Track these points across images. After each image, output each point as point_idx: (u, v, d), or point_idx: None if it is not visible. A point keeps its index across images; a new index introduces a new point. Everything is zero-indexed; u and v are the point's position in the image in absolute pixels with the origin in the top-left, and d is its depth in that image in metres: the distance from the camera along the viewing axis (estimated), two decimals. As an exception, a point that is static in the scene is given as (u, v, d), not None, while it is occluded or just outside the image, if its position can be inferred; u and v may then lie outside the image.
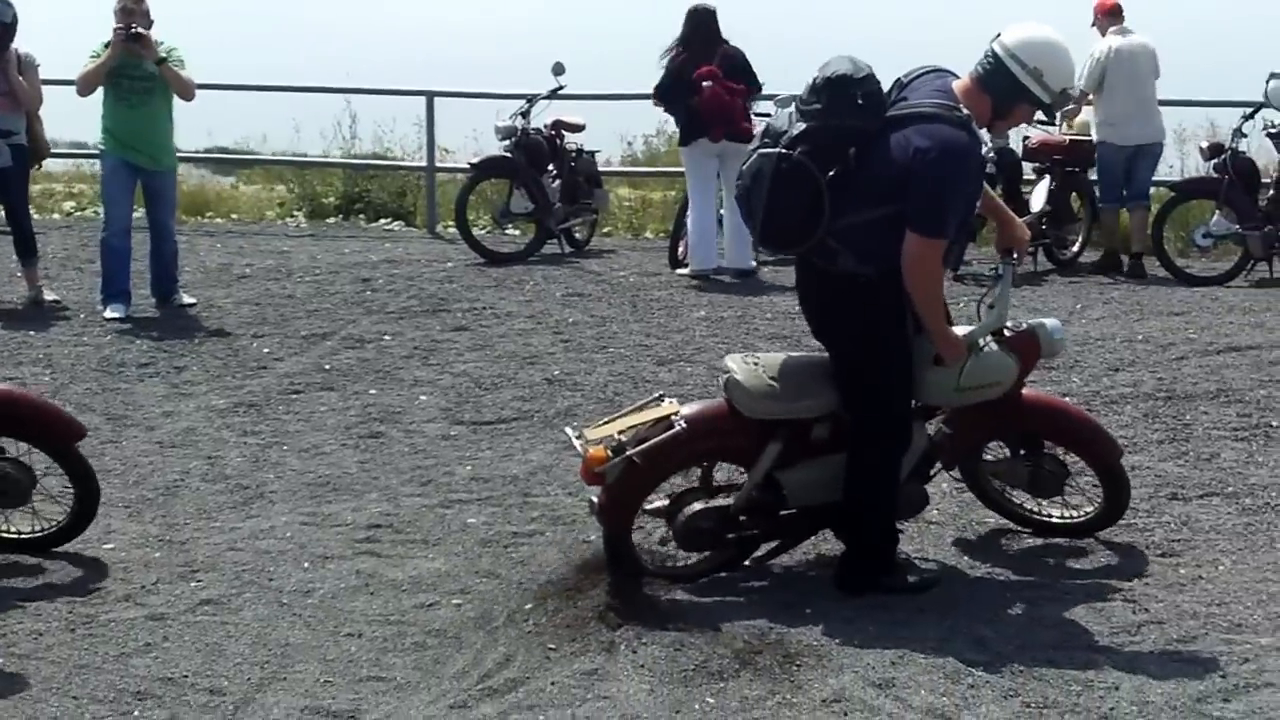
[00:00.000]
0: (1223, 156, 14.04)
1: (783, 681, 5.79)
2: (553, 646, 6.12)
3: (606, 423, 6.84)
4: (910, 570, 6.82)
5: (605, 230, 16.89)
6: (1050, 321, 7.04)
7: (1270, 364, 10.37)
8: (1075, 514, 7.34)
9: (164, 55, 11.65)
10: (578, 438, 6.78)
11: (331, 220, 18.08)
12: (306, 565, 7.07)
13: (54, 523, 7.22)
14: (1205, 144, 14.79)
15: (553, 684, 5.80)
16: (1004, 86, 6.42)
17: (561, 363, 10.77)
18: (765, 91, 14.66)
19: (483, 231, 15.84)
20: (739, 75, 13.77)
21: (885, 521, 6.72)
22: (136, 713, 5.62)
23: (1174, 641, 6.14)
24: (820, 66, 6.50)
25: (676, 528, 6.74)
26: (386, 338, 11.48)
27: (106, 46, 11.75)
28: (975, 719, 5.50)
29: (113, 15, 11.68)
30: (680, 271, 14.09)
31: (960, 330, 6.67)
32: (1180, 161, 17.38)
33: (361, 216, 18.15)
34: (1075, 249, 14.60)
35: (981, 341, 6.68)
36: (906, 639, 6.14)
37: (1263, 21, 16.66)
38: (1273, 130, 14.16)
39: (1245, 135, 14.12)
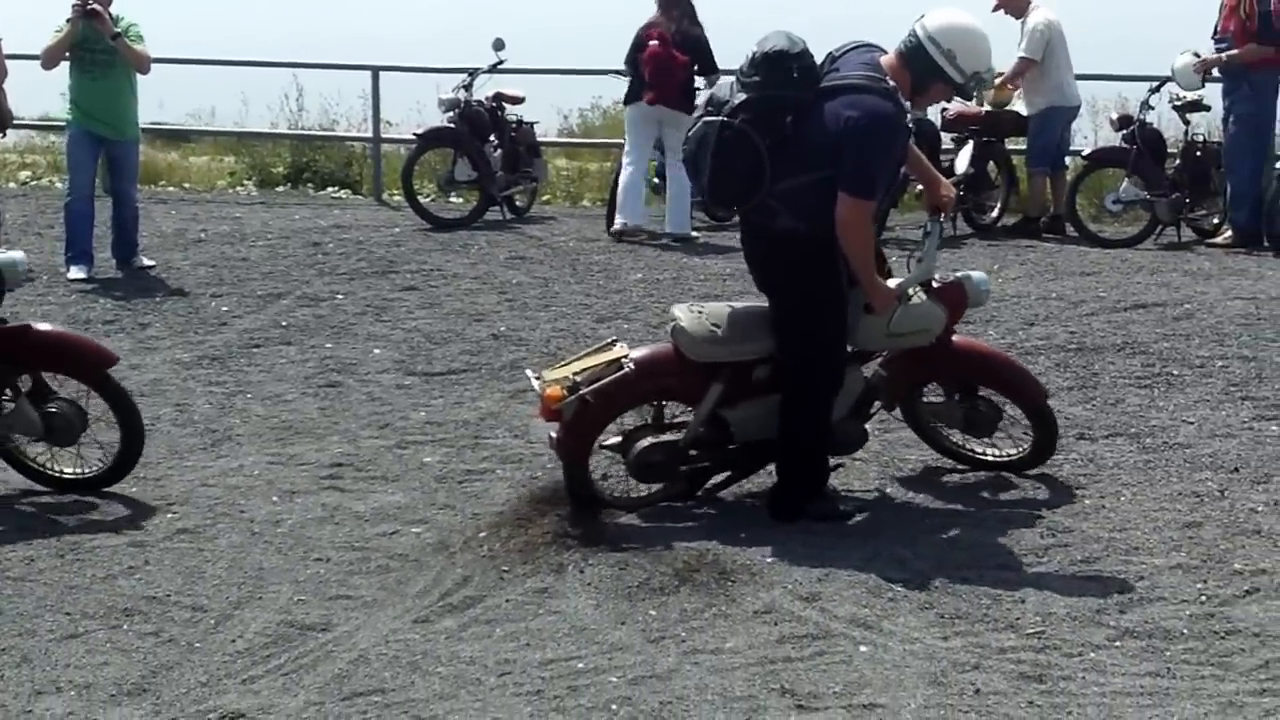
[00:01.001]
0: (1131, 128, 14.53)
1: (718, 595, 6.21)
2: (506, 569, 6.51)
3: (563, 365, 7.27)
4: (837, 500, 7.25)
5: (544, 199, 17.25)
6: (976, 274, 7.49)
7: (1173, 319, 10.86)
8: (1010, 452, 7.75)
9: (119, 30, 11.93)
10: (536, 379, 7.18)
11: (281, 189, 18.35)
12: (275, 499, 7.44)
13: (100, 463, 7.52)
14: (1115, 116, 15.28)
15: (507, 601, 6.20)
16: (922, 66, 6.85)
17: (507, 320, 11.15)
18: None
19: (428, 199, 16.16)
20: (691, 51, 14.25)
21: (816, 455, 7.16)
22: (125, 627, 5.97)
23: (1077, 562, 6.59)
24: (758, 41, 6.96)
25: (630, 461, 7.16)
26: (339, 297, 11.83)
27: (69, 22, 12.01)
28: (894, 628, 5.92)
29: None
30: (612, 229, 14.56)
31: (891, 282, 7.11)
32: (1094, 132, 17.85)
33: (309, 185, 18.43)
34: (994, 214, 15.07)
35: (910, 292, 7.12)
36: (832, 559, 6.57)
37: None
38: (1177, 103, 14.66)
39: (1152, 108, 14.61)
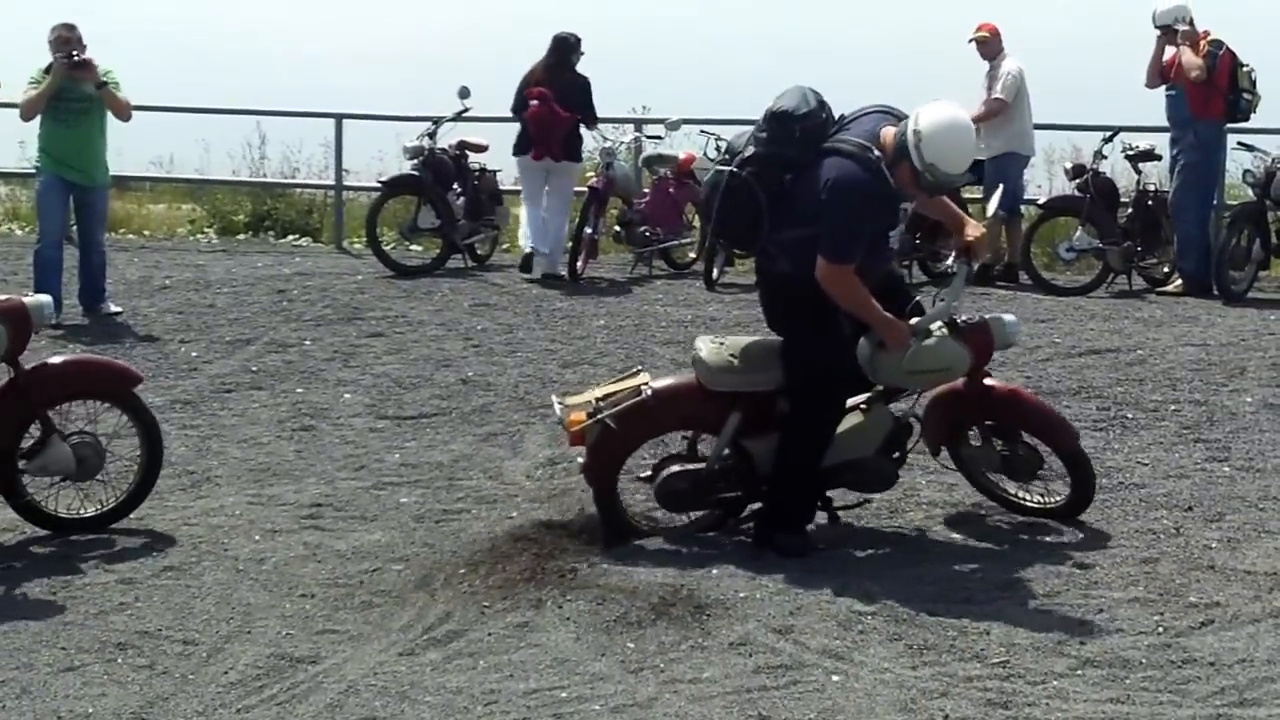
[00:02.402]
0: (1085, 177, 14.90)
1: (694, 629, 6.46)
2: (487, 604, 6.75)
3: (587, 391, 7.70)
4: (808, 539, 7.49)
5: (504, 246, 17.50)
6: (1007, 316, 7.71)
7: (1127, 365, 11.20)
8: (1050, 499, 7.86)
9: (104, 80, 12.17)
10: (560, 404, 7.60)
11: (242, 236, 18.57)
12: (257, 538, 7.66)
13: (121, 490, 7.85)
14: (1069, 165, 15.66)
15: (489, 634, 6.44)
16: (898, 144, 7.11)
17: (474, 365, 11.40)
18: (659, 115, 15.85)
19: (389, 246, 16.40)
20: (573, 103, 14.98)
21: (801, 489, 7.46)
22: (119, 660, 6.18)
23: (1039, 596, 6.87)
24: (776, 97, 7.40)
25: (656, 489, 7.56)
26: (307, 343, 12.06)
27: (46, 73, 12.20)
28: (865, 658, 6.19)
29: (49, 45, 12.15)
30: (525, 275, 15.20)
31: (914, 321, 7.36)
32: (1049, 181, 18.23)
33: (270, 233, 18.65)
34: (950, 261, 15.38)
35: (933, 329, 7.33)
36: (803, 593, 6.84)
37: (1121, 47, 17.48)
38: (1130, 152, 15.06)
39: (1105, 157, 15.00)
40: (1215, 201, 15.25)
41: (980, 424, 7.78)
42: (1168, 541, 7.54)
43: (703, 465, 7.52)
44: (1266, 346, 11.85)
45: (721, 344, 7.51)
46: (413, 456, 9.13)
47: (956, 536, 7.68)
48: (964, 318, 7.55)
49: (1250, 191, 14.83)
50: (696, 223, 16.34)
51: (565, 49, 15.39)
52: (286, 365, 11.35)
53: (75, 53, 12.06)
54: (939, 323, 7.38)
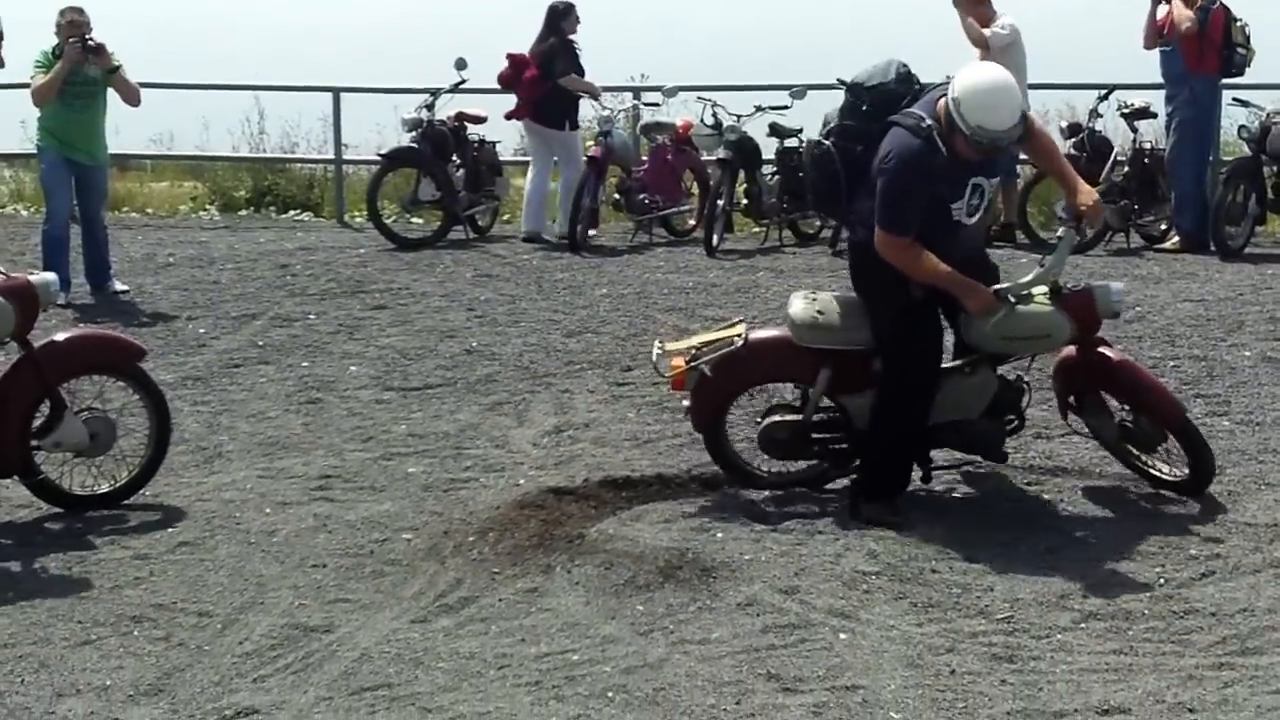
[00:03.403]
0: (1080, 135, 14.91)
1: (701, 591, 6.53)
2: (497, 570, 6.82)
3: (687, 338, 8.01)
4: (896, 511, 7.41)
5: (505, 218, 17.52)
6: (1114, 285, 7.49)
7: (1125, 322, 11.19)
8: (1175, 473, 7.61)
9: (117, 63, 12.20)
10: (659, 349, 7.82)
11: (243, 213, 18.59)
12: (268, 510, 7.73)
13: (134, 465, 7.91)
14: (1064, 124, 15.63)
15: (500, 600, 6.51)
16: (948, 115, 7.10)
17: (478, 336, 11.45)
18: (656, 83, 16.08)
19: (390, 219, 16.42)
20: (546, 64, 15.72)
21: (893, 458, 7.50)
22: (136, 633, 6.25)
23: (1040, 552, 6.93)
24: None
25: (758, 435, 7.73)
26: (311, 317, 12.10)
27: (55, 57, 12.21)
28: (871, 616, 6.26)
29: (58, 29, 12.16)
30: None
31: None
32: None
33: (272, 208, 18.68)
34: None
35: (1035, 293, 7.25)
36: (807, 554, 6.92)
37: (1116, 5, 17.47)
38: (1125, 110, 15.07)
39: (1100, 115, 15.00)
40: (1211, 158, 15.26)
41: (1096, 393, 7.63)
42: (1168, 495, 7.59)
43: (798, 418, 7.65)
44: (1264, 301, 11.89)
45: (813, 300, 7.58)
46: (420, 427, 9.19)
47: (956, 495, 7.74)
48: (1070, 285, 7.44)
49: (1246, 147, 14.81)
50: (695, 190, 16.40)
51: (552, 15, 15.77)
52: (292, 339, 11.40)
53: (89, 37, 12.08)
54: (1040, 288, 7.29)
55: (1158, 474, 7.66)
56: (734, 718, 5.39)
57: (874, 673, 5.72)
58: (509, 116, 16.21)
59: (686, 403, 7.79)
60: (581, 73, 15.95)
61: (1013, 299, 7.20)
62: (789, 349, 7.60)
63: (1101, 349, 7.49)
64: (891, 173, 7.13)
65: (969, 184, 7.23)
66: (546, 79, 15.68)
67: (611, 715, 5.41)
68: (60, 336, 7.90)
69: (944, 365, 7.54)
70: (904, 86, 7.39)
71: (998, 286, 7.26)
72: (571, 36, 15.90)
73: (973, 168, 7.21)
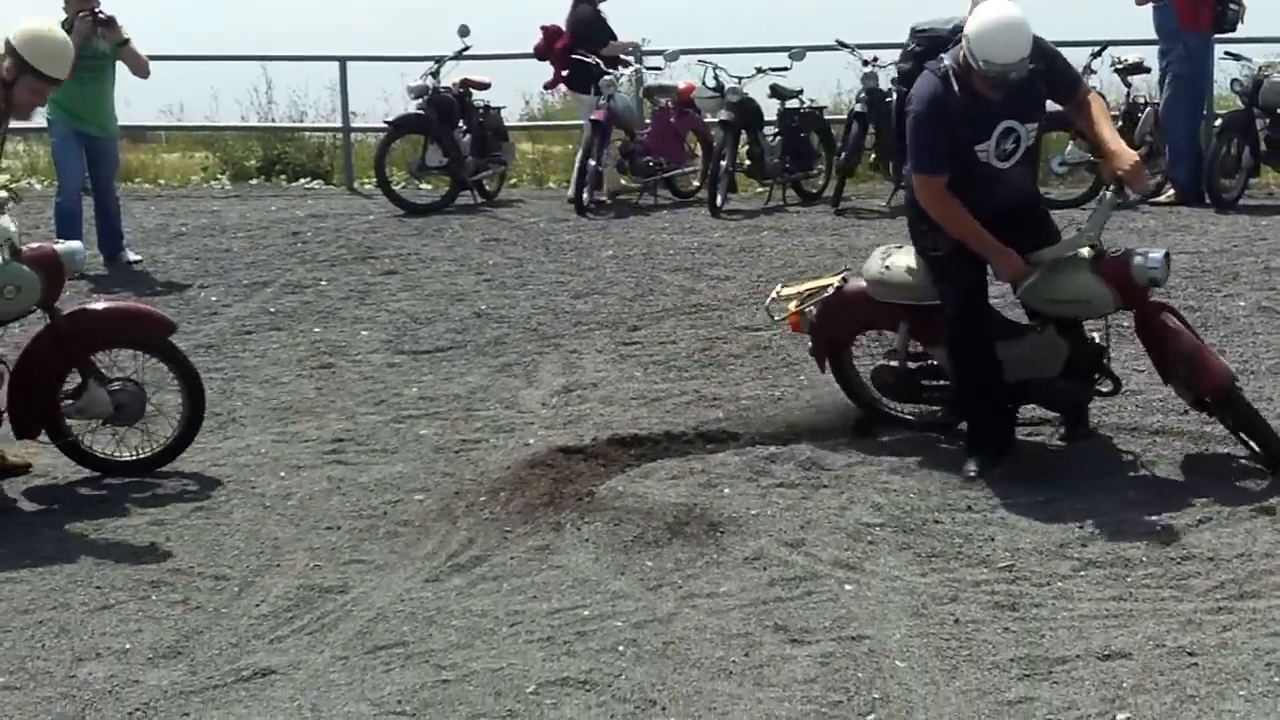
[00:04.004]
0: (1075, 91, 14.81)
1: (709, 545, 6.52)
2: (508, 529, 6.81)
3: (799, 283, 8.26)
4: (990, 463, 7.29)
5: (512, 182, 17.49)
6: (1154, 253, 7.13)
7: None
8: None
9: (126, 37, 12.16)
10: (778, 291, 8.16)
11: (254, 182, 18.58)
12: (283, 474, 7.72)
13: (165, 436, 7.85)
14: (1060, 81, 15.55)
15: (511, 559, 6.50)
16: (967, 66, 7.01)
17: (487, 299, 11.42)
18: (658, 47, 16.12)
19: (399, 185, 16.39)
20: (576, 35, 16.01)
21: (977, 408, 7.44)
22: (154, 597, 6.25)
23: (1039, 502, 6.91)
24: None
25: (869, 376, 7.87)
26: (323, 283, 12.08)
27: (65, 31, 12.13)
28: (876, 567, 6.25)
29: (67, 3, 12.09)
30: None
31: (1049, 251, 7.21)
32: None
33: (282, 177, 18.66)
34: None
35: (1077, 255, 7.10)
36: (812, 508, 6.91)
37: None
38: (1119, 66, 15.01)
39: (1094, 71, 14.89)
40: (1205, 112, 15.21)
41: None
42: (1165, 444, 7.58)
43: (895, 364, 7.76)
44: (1259, 252, 11.85)
45: (886, 256, 7.62)
46: (430, 389, 9.18)
47: (951, 450, 7.68)
48: (1113, 250, 7.26)
49: (1239, 100, 14.76)
50: (699, 151, 16.36)
51: None
52: (304, 305, 11.38)
53: (99, 11, 12.03)
54: (1081, 251, 7.13)
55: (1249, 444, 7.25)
56: (743, 669, 5.38)
57: (879, 623, 5.71)
58: (547, 87, 16.66)
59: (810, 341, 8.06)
60: (615, 37, 16.29)
61: (1046, 263, 7.10)
62: (872, 300, 7.70)
63: (1152, 314, 7.25)
64: (913, 114, 7.13)
65: (998, 127, 7.08)
66: (586, 48, 15.80)
67: (622, 669, 5.41)
68: (91, 307, 7.89)
69: (1019, 324, 7.56)
70: (955, 34, 7.17)
71: (1036, 254, 7.13)
72: (601, 6, 16.21)
73: (1001, 110, 7.05)
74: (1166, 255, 7.17)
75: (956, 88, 7.01)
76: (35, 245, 7.58)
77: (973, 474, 7.22)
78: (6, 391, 7.54)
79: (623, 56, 16.31)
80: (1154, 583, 5.97)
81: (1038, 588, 5.98)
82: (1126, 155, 7.10)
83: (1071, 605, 5.80)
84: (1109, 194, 7.32)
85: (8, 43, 7.20)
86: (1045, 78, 7.14)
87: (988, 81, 6.94)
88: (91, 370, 7.61)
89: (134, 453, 7.83)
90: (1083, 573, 6.11)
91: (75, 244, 7.80)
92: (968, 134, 7.09)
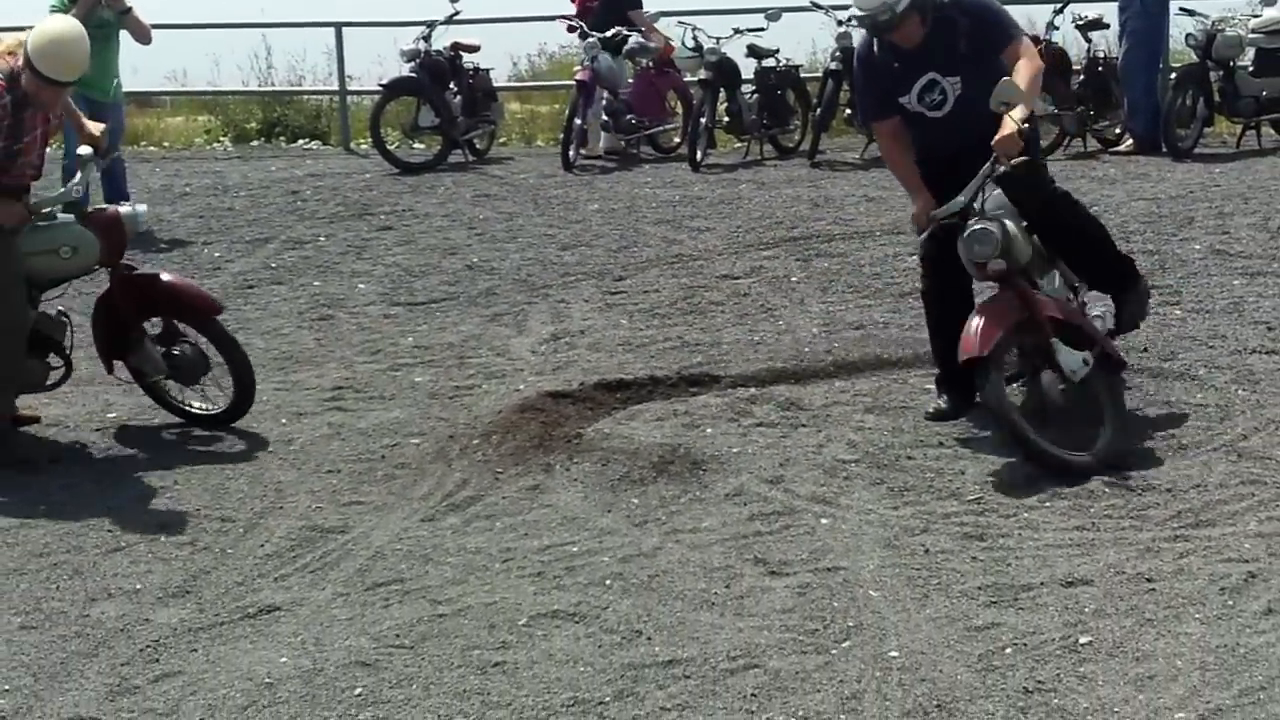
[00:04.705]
0: (1039, 47, 14.72)
1: (692, 483, 6.51)
2: (500, 470, 6.79)
3: None
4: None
5: (501, 141, 17.39)
6: None
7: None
8: None
9: (129, 5, 12.04)
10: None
11: (255, 143, 18.45)
12: (284, 421, 7.68)
13: (218, 405, 7.67)
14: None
15: (504, 498, 6.49)
16: None
17: (478, 252, 11.37)
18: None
19: (394, 145, 16.28)
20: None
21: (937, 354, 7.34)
22: (163, 539, 6.22)
23: (1007, 439, 6.83)
24: None
25: None
26: (322, 239, 12.01)
27: (71, 1, 12.03)
28: (850, 502, 6.24)
29: None
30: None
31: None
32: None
33: (282, 138, 18.55)
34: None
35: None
36: (790, 447, 6.89)
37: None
38: (1080, 22, 14.96)
39: (1057, 28, 14.83)
40: (1161, 65, 15.16)
41: None
42: (1127, 380, 7.55)
43: None
44: (1212, 198, 11.82)
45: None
46: (425, 339, 9.14)
47: (922, 390, 7.65)
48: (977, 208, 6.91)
49: (1193, 54, 14.75)
50: (679, 109, 16.29)
51: None
52: (303, 260, 11.32)
53: None
54: (948, 211, 6.84)
55: None
56: (724, 600, 5.37)
57: (854, 554, 5.70)
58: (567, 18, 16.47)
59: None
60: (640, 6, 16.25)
61: (941, 218, 6.86)
62: None
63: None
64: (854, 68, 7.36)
65: (920, 79, 6.99)
66: (629, 8, 15.92)
67: (610, 601, 5.40)
68: (144, 274, 7.62)
69: None
70: None
71: (938, 210, 6.87)
72: None
73: (921, 64, 6.97)
74: None
75: (876, 46, 7.04)
76: (99, 207, 7.47)
77: (931, 411, 7.22)
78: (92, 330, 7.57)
79: (642, 29, 16.15)
80: (1115, 513, 5.96)
81: (1005, 519, 5.97)
82: (1004, 125, 6.75)
83: (1037, 535, 5.80)
84: (991, 164, 6.92)
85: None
86: (970, 34, 6.99)
87: (866, 30, 7.03)
88: (143, 330, 7.50)
89: (204, 406, 7.70)
90: (1048, 504, 6.10)
91: (140, 207, 7.65)
92: (891, 86, 7.08)
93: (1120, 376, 7.06)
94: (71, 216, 7.36)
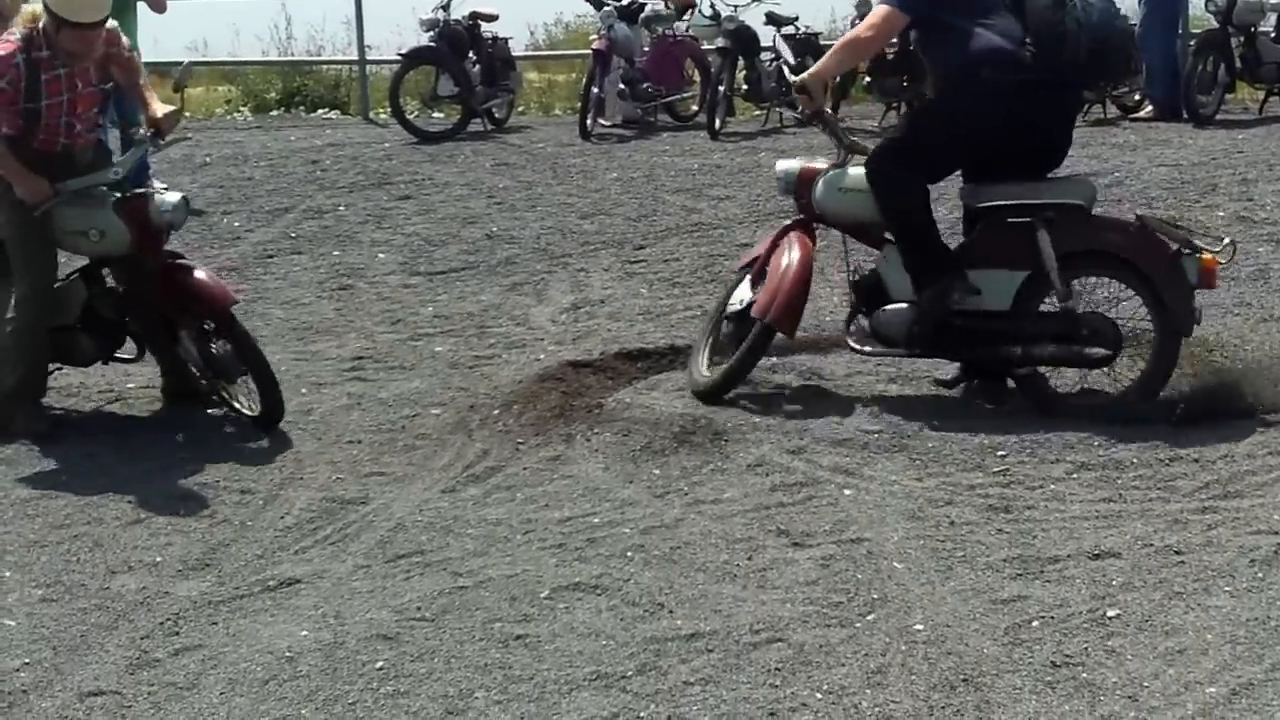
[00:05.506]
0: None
1: (714, 454, 6.41)
2: (521, 441, 6.70)
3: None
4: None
5: (520, 109, 17.29)
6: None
7: (1105, 187, 10.92)
8: None
9: None
10: None
11: (275, 113, 18.37)
12: (304, 391, 7.59)
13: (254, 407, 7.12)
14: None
15: (524, 469, 6.39)
16: None
17: (498, 221, 11.27)
18: None
19: (413, 115, 16.18)
20: None
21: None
22: (182, 511, 6.14)
23: (1030, 409, 6.78)
24: None
25: None
26: (341, 208, 11.93)
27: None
28: (874, 473, 6.14)
29: None
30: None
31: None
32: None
33: (301, 108, 18.46)
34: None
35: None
36: (812, 418, 6.78)
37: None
38: None
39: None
40: (1180, 31, 14.99)
41: None
42: (1147, 348, 7.41)
43: None
44: (1236, 164, 11.67)
45: None
46: (445, 308, 9.05)
47: (943, 363, 7.53)
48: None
49: (1214, 19, 14.59)
50: (697, 77, 16.18)
51: None
52: (323, 230, 11.23)
53: None
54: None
55: None
56: (746, 572, 5.28)
57: (877, 526, 5.61)
58: None
59: None
60: None
61: None
62: None
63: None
64: None
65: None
66: None
67: (631, 573, 5.31)
68: (170, 265, 7.21)
69: None
70: None
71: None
72: None
73: None
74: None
75: None
76: (136, 192, 7.17)
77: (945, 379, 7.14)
78: None
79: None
80: (1142, 484, 5.86)
81: (1030, 490, 5.87)
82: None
83: (1063, 507, 5.69)
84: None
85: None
86: None
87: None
88: (173, 322, 7.15)
89: (249, 407, 7.17)
90: (1074, 475, 5.99)
91: (170, 197, 7.15)
92: None
93: None
94: (116, 196, 7.07)
